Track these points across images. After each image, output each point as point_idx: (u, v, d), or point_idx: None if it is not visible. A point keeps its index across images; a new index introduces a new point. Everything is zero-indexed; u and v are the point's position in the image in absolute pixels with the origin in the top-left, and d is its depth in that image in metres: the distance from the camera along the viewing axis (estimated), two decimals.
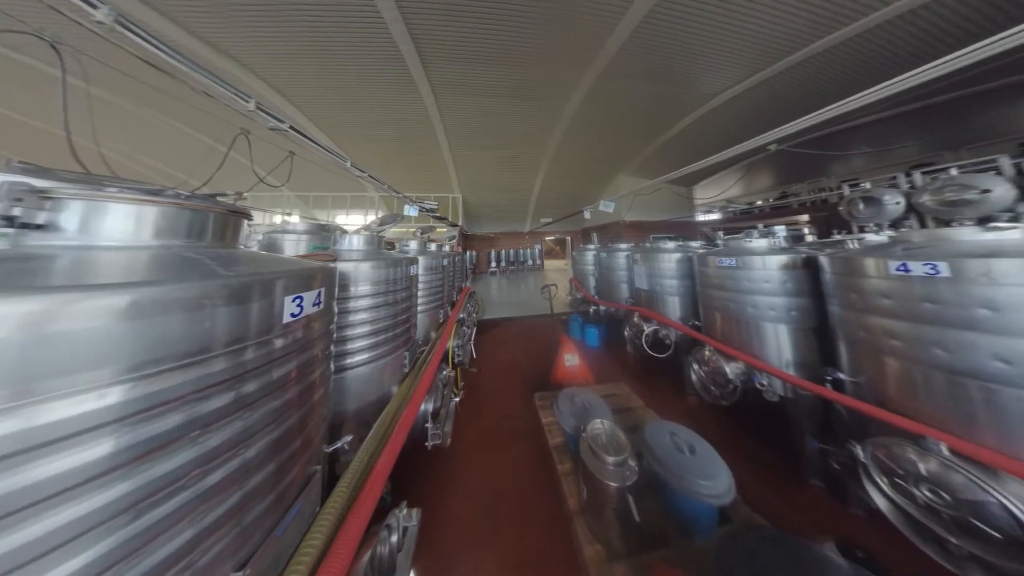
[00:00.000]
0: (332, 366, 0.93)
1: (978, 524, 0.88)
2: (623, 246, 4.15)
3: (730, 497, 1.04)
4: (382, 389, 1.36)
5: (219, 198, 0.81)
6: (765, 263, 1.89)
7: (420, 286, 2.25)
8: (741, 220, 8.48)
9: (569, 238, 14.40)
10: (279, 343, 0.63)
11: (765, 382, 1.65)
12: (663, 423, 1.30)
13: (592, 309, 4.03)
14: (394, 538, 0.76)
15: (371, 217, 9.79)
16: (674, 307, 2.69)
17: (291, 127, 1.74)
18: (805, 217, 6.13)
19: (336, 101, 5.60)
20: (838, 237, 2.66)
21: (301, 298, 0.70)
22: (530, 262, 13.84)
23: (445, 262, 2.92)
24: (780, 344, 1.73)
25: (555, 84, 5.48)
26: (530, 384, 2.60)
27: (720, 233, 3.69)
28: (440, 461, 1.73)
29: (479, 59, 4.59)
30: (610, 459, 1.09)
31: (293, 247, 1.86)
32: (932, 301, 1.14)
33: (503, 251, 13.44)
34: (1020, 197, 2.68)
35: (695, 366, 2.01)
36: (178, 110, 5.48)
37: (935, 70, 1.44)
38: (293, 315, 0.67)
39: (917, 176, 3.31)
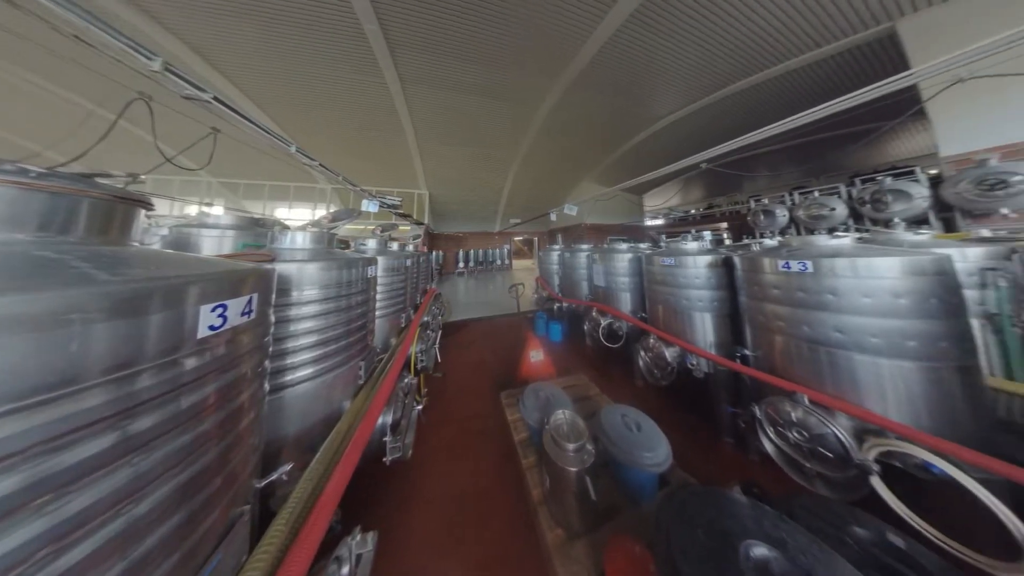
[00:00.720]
0: (267, 385, 0.80)
1: (822, 450, 1.22)
2: (584, 247, 4.47)
3: (668, 464, 1.22)
4: (331, 406, 1.21)
5: (100, 179, 0.62)
6: (696, 262, 2.24)
7: (379, 289, 2.07)
8: (679, 226, 10.01)
9: (536, 239, 14.82)
10: (191, 363, 0.52)
11: (695, 362, 1.99)
12: (616, 406, 1.45)
13: (556, 306, 4.27)
14: (345, 569, 0.69)
15: (322, 212, 8.57)
16: (626, 301, 3.00)
17: (215, 98, 1.42)
18: (725, 224, 7.54)
19: (282, 75, 4.76)
20: (746, 241, 3.34)
21: (224, 307, 0.59)
22: (499, 262, 13.84)
23: (408, 262, 2.73)
24: (706, 329, 2.09)
25: (528, 89, 5.56)
26: (497, 383, 2.63)
27: (663, 236, 4.27)
28: (400, 475, 1.64)
29: (453, 53, 4.40)
30: (570, 446, 1.17)
31: (215, 245, 1.54)
32: (803, 291, 1.51)
33: (472, 251, 13.15)
34: (850, 214, 3.76)
35: (642, 353, 2.29)
36: (35, 58, 3.98)
37: (801, 119, 2.00)
38: (213, 328, 0.56)
39: (796, 196, 4.41)
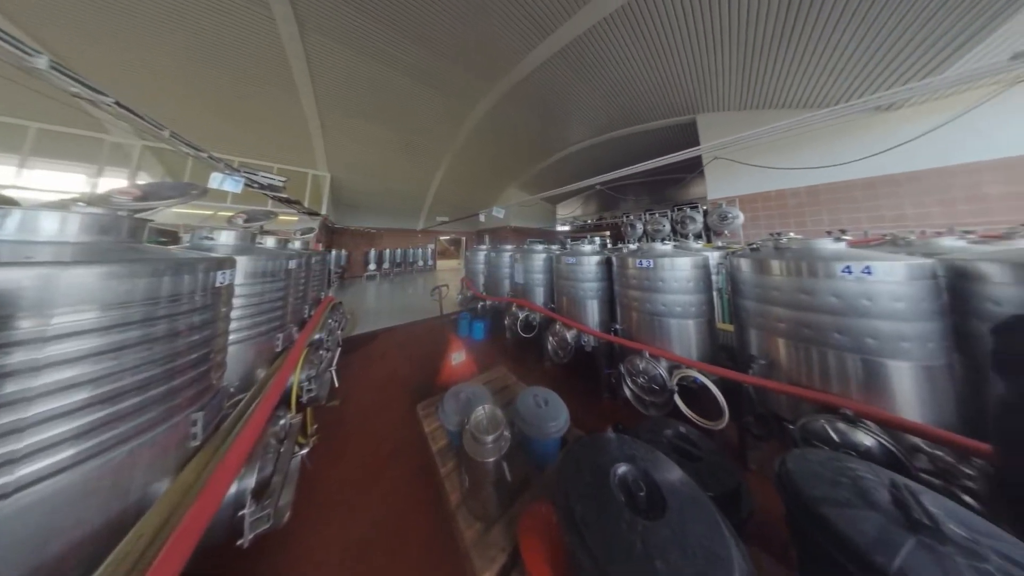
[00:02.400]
0: None
1: (654, 386, 1.86)
2: (508, 247, 4.79)
3: (566, 427, 1.48)
4: (125, 500, 0.70)
5: None
6: (589, 261, 2.84)
7: (240, 302, 1.53)
8: (580, 232, 12.44)
9: (464, 239, 14.56)
10: None
11: (587, 340, 2.55)
12: (529, 389, 1.64)
13: (480, 305, 4.40)
14: None
15: (117, 182, 5.28)
16: (540, 295, 3.47)
17: None
18: (608, 232, 9.89)
19: None
20: (620, 246, 4.49)
21: None
22: (421, 263, 12.80)
23: (292, 264, 2.12)
24: (594, 313, 2.71)
25: (467, 86, 5.34)
26: (414, 394, 2.47)
27: (569, 240, 5.16)
28: (273, 549, 1.26)
29: (390, 21, 3.67)
30: (489, 438, 1.23)
31: None
32: (648, 280, 2.19)
33: (388, 251, 11.52)
34: (671, 229, 5.65)
35: (550, 339, 2.73)
36: None
37: (651, 164, 2.97)
38: None
39: (647, 215, 6.34)
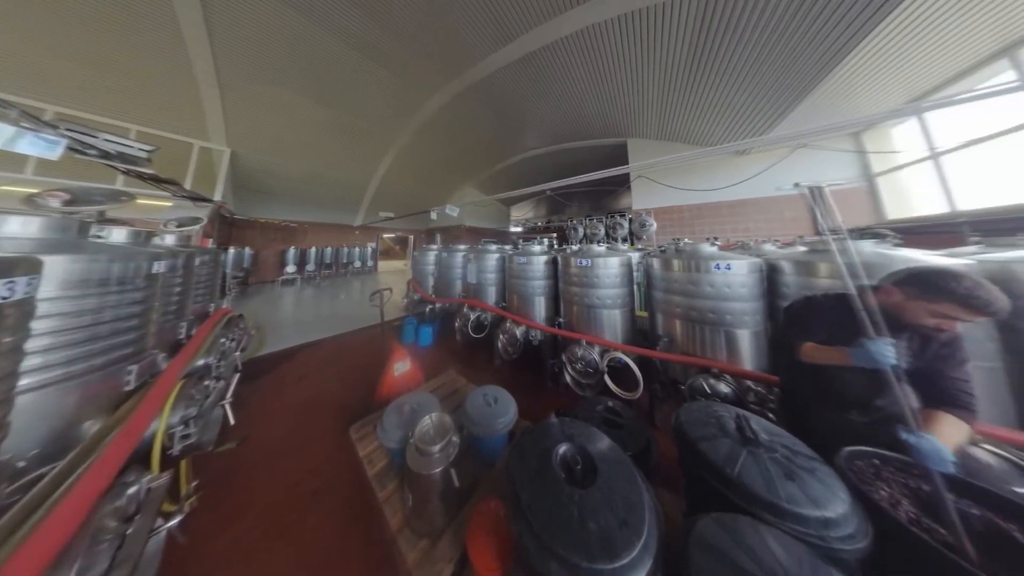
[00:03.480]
0: None
1: (589, 369, 2.12)
2: (461, 247, 4.67)
3: (514, 420, 1.51)
4: None
5: None
6: (538, 261, 3.02)
7: (47, 326, 1.03)
8: (531, 233, 12.95)
9: (412, 237, 13.38)
10: None
11: (534, 335, 2.73)
12: (479, 389, 1.62)
13: (428, 308, 4.17)
14: None
15: None
16: (492, 295, 3.51)
17: None
18: (555, 234, 10.74)
19: None
20: (565, 247, 4.92)
21: None
22: (359, 263, 11.01)
23: (158, 267, 1.55)
24: (541, 309, 2.90)
25: (424, 74, 4.84)
26: (346, 416, 2.11)
27: (521, 240, 5.37)
28: None
29: None
30: (436, 447, 1.17)
31: None
32: (586, 277, 2.45)
33: (314, 249, 9.60)
34: (606, 233, 6.52)
35: (501, 337, 2.79)
36: None
37: (592, 177, 3.35)
38: None
39: (587, 220, 7.16)
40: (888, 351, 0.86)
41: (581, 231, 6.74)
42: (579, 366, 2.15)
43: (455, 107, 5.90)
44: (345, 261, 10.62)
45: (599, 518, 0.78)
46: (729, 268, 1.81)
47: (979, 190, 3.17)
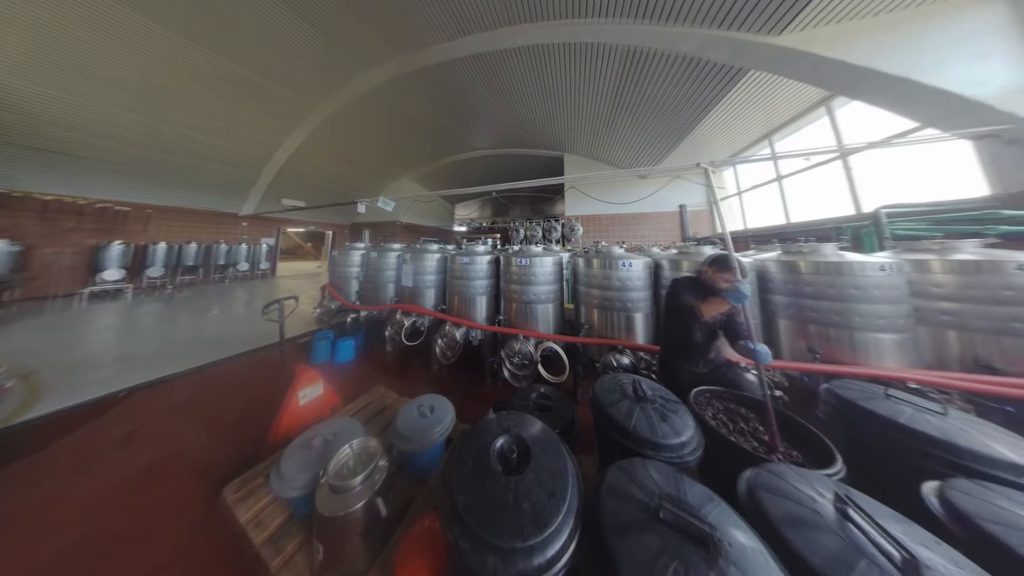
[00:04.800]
0: None
1: (524, 361, 2.28)
2: (396, 246, 4.21)
3: (451, 426, 1.46)
4: None
5: None
6: (482, 260, 3.01)
7: None
8: (476, 233, 12.91)
9: (331, 233, 10.97)
10: None
11: (474, 335, 2.73)
12: (413, 401, 1.50)
13: (351, 318, 3.58)
14: None
15: None
16: (430, 298, 3.31)
17: None
18: (499, 235, 11.03)
19: None
20: (507, 247, 5.10)
21: None
22: (245, 266, 8.08)
23: None
24: (482, 308, 2.91)
25: (365, 43, 4.02)
26: (217, 476, 1.48)
27: (464, 240, 5.25)
28: None
29: None
30: (358, 480, 1.03)
31: None
32: (525, 275, 2.60)
33: (163, 245, 6.65)
34: (543, 235, 7.13)
35: (439, 341, 2.68)
36: None
37: (532, 184, 3.47)
38: None
39: (527, 223, 7.64)
40: (746, 289, 1.29)
41: (522, 232, 7.14)
42: (516, 359, 2.27)
43: (400, 88, 5.25)
44: (222, 262, 7.55)
45: (532, 496, 0.83)
46: (631, 266, 2.29)
47: (758, 216, 5.17)
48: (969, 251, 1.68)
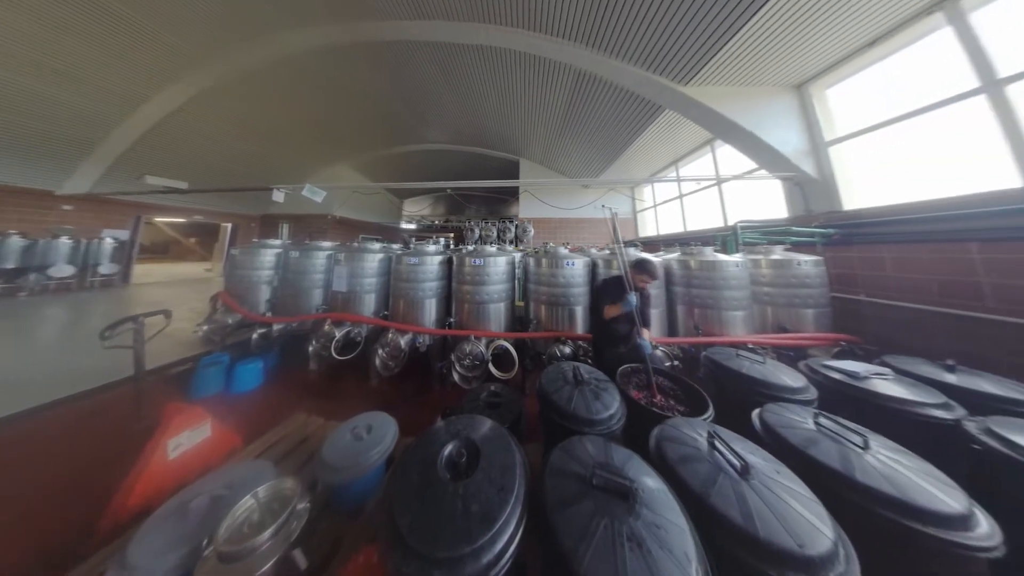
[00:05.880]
0: None
1: (475, 362, 2.28)
2: (326, 244, 3.62)
3: (394, 443, 1.32)
4: None
5: None
6: (433, 261, 2.84)
7: None
8: (427, 232, 12.13)
9: (229, 226, 8.59)
10: None
11: (421, 340, 2.57)
12: (345, 424, 1.32)
13: (258, 333, 2.87)
14: None
15: None
16: (369, 303, 2.94)
17: None
18: (452, 234, 10.74)
19: None
20: (461, 247, 4.99)
21: None
22: (68, 269, 5.44)
23: None
24: (431, 312, 2.76)
25: None
26: None
27: (414, 239, 4.89)
28: None
29: None
30: (265, 535, 0.86)
31: None
32: (478, 275, 2.57)
33: None
34: (498, 236, 7.25)
35: (380, 352, 2.43)
36: None
37: (490, 183, 3.53)
38: None
39: (482, 223, 7.63)
40: (633, 299, 1.65)
41: (477, 232, 7.09)
42: (467, 361, 2.24)
43: (344, 60, 4.44)
44: (11, 265, 4.79)
45: (481, 496, 0.82)
46: (574, 265, 2.54)
47: (669, 225, 6.47)
48: (777, 253, 2.54)
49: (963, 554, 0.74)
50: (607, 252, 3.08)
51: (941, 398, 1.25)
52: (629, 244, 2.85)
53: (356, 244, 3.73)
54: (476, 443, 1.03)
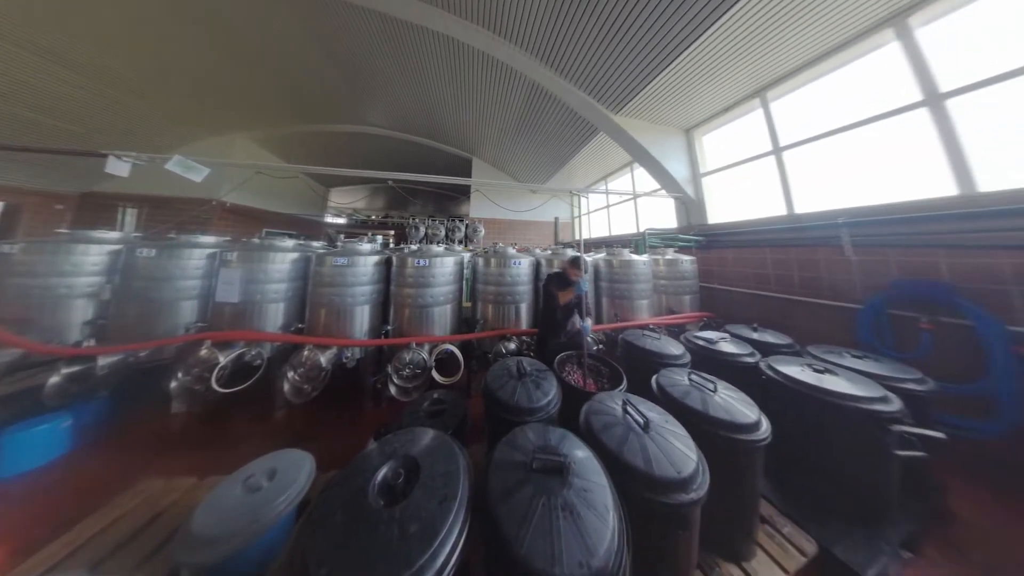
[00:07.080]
0: None
1: (416, 371, 2.14)
2: (209, 239, 2.75)
3: (308, 483, 1.10)
4: None
5: None
6: (366, 261, 2.47)
7: None
8: (360, 228, 10.65)
9: (2, 204, 5.66)
10: None
11: (348, 355, 2.20)
12: (234, 475, 1.05)
13: (63, 375, 1.89)
14: None
15: None
16: (276, 315, 2.37)
17: None
18: (393, 232, 9.78)
19: None
20: (403, 246, 4.57)
21: None
22: None
23: None
24: (363, 320, 2.40)
25: None
26: None
27: (342, 236, 4.20)
28: None
29: None
30: None
31: None
32: (423, 276, 2.39)
33: None
34: (446, 235, 6.93)
35: (290, 374, 1.99)
36: None
37: (439, 179, 3.33)
38: None
39: (429, 220, 7.19)
40: (584, 284, 1.92)
41: (423, 230, 6.60)
42: (406, 371, 2.07)
43: (266, 10, 3.39)
44: None
45: (420, 514, 0.76)
46: (521, 264, 2.66)
47: (600, 231, 7.55)
48: (670, 254, 3.34)
49: (754, 447, 1.13)
50: (549, 252, 3.35)
51: (749, 349, 1.90)
52: (567, 245, 3.21)
53: (257, 240, 2.94)
54: (415, 458, 0.95)
